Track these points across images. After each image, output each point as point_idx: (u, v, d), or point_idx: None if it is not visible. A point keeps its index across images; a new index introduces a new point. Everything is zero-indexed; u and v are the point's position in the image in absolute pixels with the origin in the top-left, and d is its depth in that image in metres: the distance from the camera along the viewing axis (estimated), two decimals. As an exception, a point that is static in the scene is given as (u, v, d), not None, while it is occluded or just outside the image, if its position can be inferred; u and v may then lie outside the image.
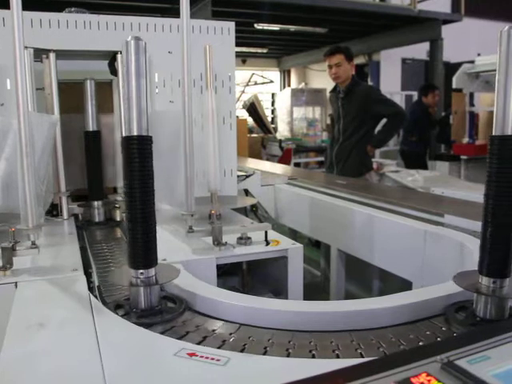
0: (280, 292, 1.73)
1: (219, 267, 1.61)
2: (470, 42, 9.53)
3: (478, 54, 6.47)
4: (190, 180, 1.63)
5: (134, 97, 1.06)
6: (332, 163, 4.13)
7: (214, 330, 1.07)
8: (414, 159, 6.36)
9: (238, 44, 2.35)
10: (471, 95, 6.56)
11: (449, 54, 7.90)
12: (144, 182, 1.11)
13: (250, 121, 9.84)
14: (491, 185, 0.97)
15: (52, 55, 2.05)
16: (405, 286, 2.00)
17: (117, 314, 1.13)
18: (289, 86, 12.53)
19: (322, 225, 2.54)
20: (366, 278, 2.53)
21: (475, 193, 3.24)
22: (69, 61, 2.30)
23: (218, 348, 0.98)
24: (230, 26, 2.32)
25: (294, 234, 3.17)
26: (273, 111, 12.13)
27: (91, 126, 2.28)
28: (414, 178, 4.52)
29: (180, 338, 1.02)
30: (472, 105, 6.56)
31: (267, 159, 8.30)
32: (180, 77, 2.20)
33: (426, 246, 1.84)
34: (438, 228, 1.86)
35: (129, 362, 0.92)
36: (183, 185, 1.67)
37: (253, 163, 4.40)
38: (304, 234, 2.86)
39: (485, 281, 1.01)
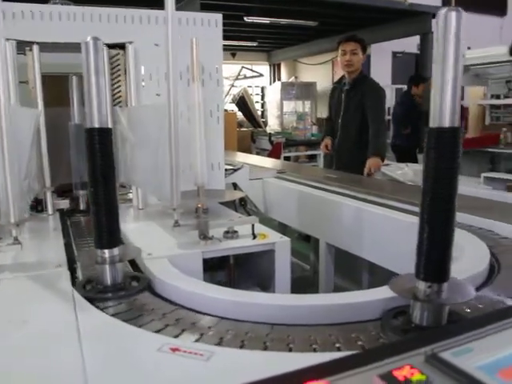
0: (267, 286, 1.72)
1: (206, 261, 1.60)
2: (461, 35, 9.52)
3: (468, 48, 6.45)
4: (175, 174, 1.61)
5: (94, 92, 1.17)
6: (332, 157, 4.08)
7: (193, 324, 1.06)
8: (405, 153, 6.35)
9: (227, 37, 2.33)
10: (461, 89, 6.56)
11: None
12: (105, 169, 1.21)
13: (240, 115, 9.83)
14: (428, 181, 0.89)
15: (35, 48, 2.02)
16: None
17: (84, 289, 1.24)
18: (279, 79, 12.49)
19: (311, 218, 2.53)
20: (355, 271, 2.53)
21: (463, 186, 3.26)
22: (53, 53, 2.27)
23: (197, 341, 0.97)
24: (217, 18, 2.29)
25: (283, 228, 3.16)
26: (263, 105, 12.10)
27: (77, 120, 2.26)
28: (403, 172, 4.52)
29: (159, 331, 1.01)
30: (462, 98, 6.56)
31: (257, 153, 8.29)
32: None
33: (414, 238, 1.83)
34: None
35: (112, 359, 0.90)
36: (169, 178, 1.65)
37: (242, 157, 4.39)
38: (293, 227, 2.85)
39: (421, 285, 0.92)
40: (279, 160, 6.74)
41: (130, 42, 2.13)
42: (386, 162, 5.17)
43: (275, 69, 12.88)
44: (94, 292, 1.23)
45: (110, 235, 1.23)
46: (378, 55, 9.99)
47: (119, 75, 2.21)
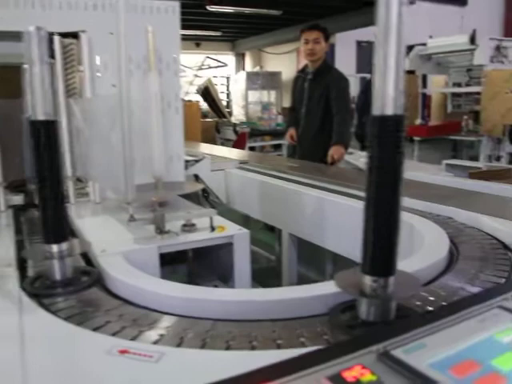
0: (228, 279, 1.69)
1: (164, 255, 1.56)
2: (423, 24, 9.63)
3: (430, 37, 6.52)
4: (129, 167, 1.56)
5: (38, 83, 1.14)
6: (295, 147, 4.05)
7: (150, 324, 1.02)
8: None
9: (190, 27, 2.28)
10: (424, 77, 6.62)
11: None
12: (51, 163, 1.18)
13: (205, 105, 9.73)
14: (372, 171, 0.84)
15: (-19, 36, 1.93)
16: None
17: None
18: (243, 69, 12.42)
19: (273, 209, 2.51)
20: (319, 261, 2.52)
21: (425, 173, 3.29)
22: (4, 43, 2.18)
23: (155, 343, 0.93)
24: (174, 5, 2.24)
25: (247, 219, 3.14)
26: (228, 95, 12.00)
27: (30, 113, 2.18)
28: (366, 160, 4.54)
29: (114, 333, 0.97)
30: (424, 86, 6.63)
31: (222, 144, 8.23)
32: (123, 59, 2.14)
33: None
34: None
35: (55, 363, 0.86)
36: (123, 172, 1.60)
37: (206, 148, 4.33)
38: (256, 218, 2.82)
39: (367, 280, 0.88)
40: (244, 150, 6.70)
41: (83, 31, 2.06)
42: (349, 150, 5.20)
43: (240, 58, 12.80)
44: (42, 288, 1.20)
45: (57, 230, 1.22)
46: (343, 44, 10.00)
47: (73, 65, 2.13)
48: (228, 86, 12.11)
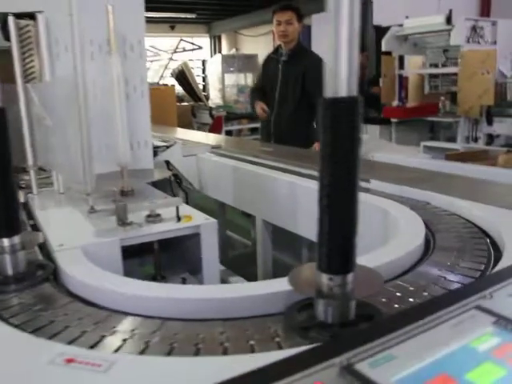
0: (197, 270, 1.62)
1: (129, 248, 1.48)
2: (400, 5, 9.54)
3: (406, 17, 6.44)
4: (87, 155, 1.47)
5: None
6: (269, 132, 3.91)
7: (114, 327, 0.93)
8: None
9: (164, 9, 2.18)
10: (401, 58, 6.56)
11: (379, 18, 7.88)
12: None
13: (181, 89, 9.56)
14: (325, 159, 0.76)
15: None
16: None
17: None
18: (220, 52, 12.25)
19: (246, 195, 2.43)
20: (295, 247, 2.46)
21: (402, 155, 3.24)
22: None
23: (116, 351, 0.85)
24: (138, -16, 2.12)
25: (223, 205, 3.06)
26: (204, 78, 11.83)
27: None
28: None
29: (57, 335, 0.89)
30: (401, 68, 6.56)
31: (198, 128, 8.10)
32: (85, 41, 2.03)
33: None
34: (362, 195, 1.78)
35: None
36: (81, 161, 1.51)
37: (181, 133, 4.22)
38: (229, 204, 2.75)
39: (323, 278, 0.80)
40: (220, 135, 6.60)
41: (40, 12, 1.94)
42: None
43: (216, 41, 12.62)
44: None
45: (8, 223, 1.16)
46: (319, 26, 9.88)
47: (31, 49, 2.02)
48: (204, 70, 11.94)
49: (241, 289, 1.05)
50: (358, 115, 0.74)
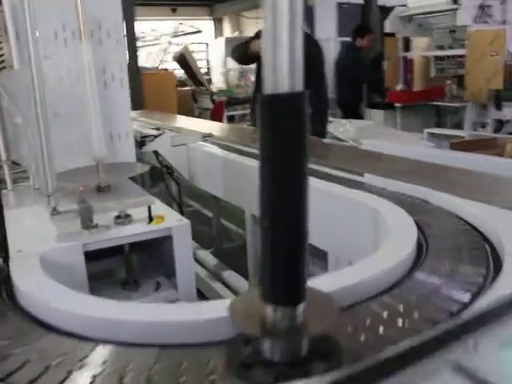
0: (173, 273, 1.49)
1: (97, 251, 1.36)
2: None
3: (412, -4, 6.23)
4: (45, 152, 1.34)
5: None
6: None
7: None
8: (350, 108, 6.09)
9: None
10: (406, 40, 6.35)
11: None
12: None
13: (183, 73, 9.38)
14: (266, 168, 0.62)
15: None
16: (322, 255, 1.82)
17: None
18: (221, 35, 12.03)
19: (234, 186, 2.30)
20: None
21: (405, 144, 3.09)
22: None
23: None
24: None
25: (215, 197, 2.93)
26: (207, 62, 11.63)
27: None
28: (344, 129, 4.33)
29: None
30: (407, 50, 6.36)
31: (199, 113, 7.95)
32: (57, 27, 1.89)
33: (341, 212, 1.63)
34: (352, 192, 1.64)
35: None
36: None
37: (180, 121, 4.08)
38: (217, 196, 2.61)
39: (268, 310, 0.66)
40: (219, 122, 6.45)
41: (6, -6, 1.80)
42: (330, 119, 4.96)
43: (218, 24, 12.39)
44: None
45: None
46: (323, 7, 9.63)
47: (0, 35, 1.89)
48: (207, 53, 11.73)
49: (185, 310, 0.92)
50: (303, 114, 0.60)
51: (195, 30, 10.00)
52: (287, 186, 0.62)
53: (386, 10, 6.51)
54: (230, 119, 8.36)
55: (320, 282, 0.91)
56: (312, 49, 3.47)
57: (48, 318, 0.94)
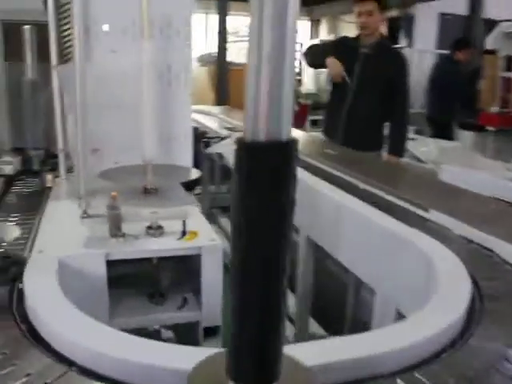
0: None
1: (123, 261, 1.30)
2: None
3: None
4: (81, 151, 1.29)
5: None
6: (335, 128, 3.50)
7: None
8: (441, 127, 5.62)
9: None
10: (509, 58, 5.90)
11: (493, 11, 7.17)
12: None
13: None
14: (241, 235, 0.52)
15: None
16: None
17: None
18: (317, 37, 11.85)
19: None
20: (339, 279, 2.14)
21: (484, 174, 2.82)
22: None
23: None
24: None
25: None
26: (300, 62, 11.48)
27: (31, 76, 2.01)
28: (427, 150, 4.08)
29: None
30: (509, 70, 5.92)
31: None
32: (127, 22, 1.85)
33: (392, 250, 1.47)
34: (409, 232, 1.47)
35: None
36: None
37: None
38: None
39: None
40: (301, 126, 6.33)
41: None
42: (412, 136, 4.68)
43: (315, 25, 12.22)
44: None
45: None
46: (423, 16, 9.22)
47: (70, 28, 1.87)
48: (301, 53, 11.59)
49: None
50: (288, 167, 0.50)
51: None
52: (265, 247, 0.52)
53: (491, 24, 6.09)
54: (314, 124, 8.18)
55: (364, 341, 0.87)
56: (395, 66, 3.25)
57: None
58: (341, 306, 2.06)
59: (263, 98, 0.47)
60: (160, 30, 1.84)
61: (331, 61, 3.17)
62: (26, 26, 1.97)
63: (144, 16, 1.60)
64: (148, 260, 1.37)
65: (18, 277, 1.10)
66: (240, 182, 0.50)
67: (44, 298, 1.00)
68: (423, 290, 1.29)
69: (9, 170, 2.02)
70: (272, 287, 0.53)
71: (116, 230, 1.28)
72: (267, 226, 0.51)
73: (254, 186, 0.50)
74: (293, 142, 0.49)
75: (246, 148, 0.49)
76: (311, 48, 3.82)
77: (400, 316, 1.39)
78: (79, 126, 1.30)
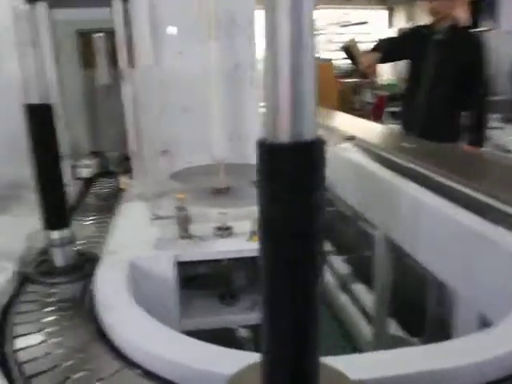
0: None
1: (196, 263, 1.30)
2: None
3: None
4: (146, 151, 1.30)
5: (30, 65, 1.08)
6: (412, 119, 3.35)
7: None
8: None
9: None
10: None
11: None
12: (45, 147, 1.16)
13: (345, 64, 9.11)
14: (267, 241, 0.50)
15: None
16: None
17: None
18: (392, 26, 11.47)
19: (369, 200, 2.09)
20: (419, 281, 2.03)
21: None
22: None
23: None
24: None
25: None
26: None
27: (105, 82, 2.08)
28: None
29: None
30: None
31: (360, 106, 7.66)
32: (191, 23, 1.85)
33: (475, 250, 1.38)
34: (493, 230, 1.36)
35: None
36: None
37: (329, 118, 3.88)
38: (352, 206, 2.39)
39: None
40: (378, 119, 6.15)
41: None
42: (498, 124, 4.43)
43: (392, 13, 11.84)
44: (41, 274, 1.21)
45: (56, 216, 1.22)
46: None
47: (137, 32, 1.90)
48: (378, 43, 11.29)
49: None
50: (318, 170, 0.46)
51: (361, 21, 9.68)
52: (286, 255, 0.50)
53: None
54: (392, 115, 7.93)
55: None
56: (470, 50, 3.07)
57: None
58: (421, 305, 1.97)
59: (282, 96, 0.44)
60: (225, 28, 1.83)
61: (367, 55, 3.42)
62: (97, 34, 2.03)
63: (210, 15, 1.59)
64: (218, 261, 1.36)
65: (91, 274, 1.17)
66: (264, 186, 0.48)
67: (113, 301, 1.02)
68: (510, 294, 1.19)
69: (87, 173, 2.09)
70: (302, 294, 0.50)
71: (183, 232, 1.27)
72: (288, 233, 0.48)
73: (276, 189, 0.47)
74: (318, 142, 0.44)
75: (267, 149, 0.47)
76: (379, 44, 3.74)
77: (482, 317, 1.31)
78: (147, 129, 1.30)
